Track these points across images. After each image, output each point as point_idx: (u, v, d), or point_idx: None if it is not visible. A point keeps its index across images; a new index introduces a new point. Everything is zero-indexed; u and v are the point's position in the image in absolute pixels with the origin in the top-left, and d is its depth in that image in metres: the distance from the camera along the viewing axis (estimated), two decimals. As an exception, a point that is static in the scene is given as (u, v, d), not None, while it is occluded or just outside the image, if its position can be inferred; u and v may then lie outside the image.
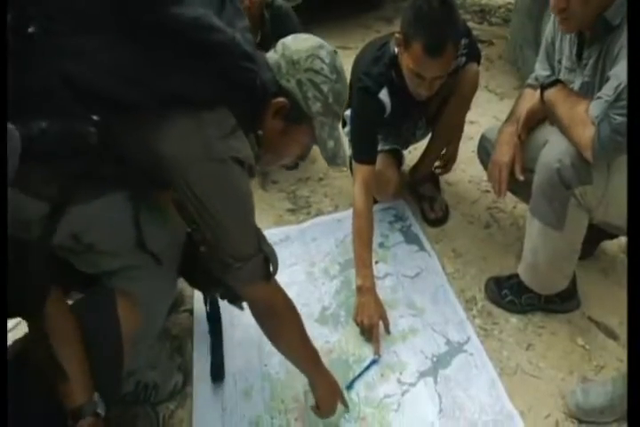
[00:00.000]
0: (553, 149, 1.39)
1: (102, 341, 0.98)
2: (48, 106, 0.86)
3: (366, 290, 1.66)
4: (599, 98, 1.26)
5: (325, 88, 1.09)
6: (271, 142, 1.12)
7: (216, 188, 0.97)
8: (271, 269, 1.10)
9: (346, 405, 1.37)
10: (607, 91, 1.24)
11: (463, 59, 1.77)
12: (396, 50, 1.63)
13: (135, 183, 1.03)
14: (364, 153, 1.75)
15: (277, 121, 1.10)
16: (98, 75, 0.87)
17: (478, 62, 1.88)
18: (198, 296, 1.73)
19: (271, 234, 2.00)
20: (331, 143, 1.14)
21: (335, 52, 1.14)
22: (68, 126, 0.87)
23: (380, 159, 1.84)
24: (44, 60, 0.85)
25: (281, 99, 1.07)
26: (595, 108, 1.26)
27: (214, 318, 1.61)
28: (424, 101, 1.76)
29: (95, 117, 0.88)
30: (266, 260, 1.08)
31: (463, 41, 1.69)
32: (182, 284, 1.78)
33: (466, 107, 1.93)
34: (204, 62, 0.93)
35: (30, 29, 0.83)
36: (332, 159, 1.16)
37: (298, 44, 1.11)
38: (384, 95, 1.71)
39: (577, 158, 1.33)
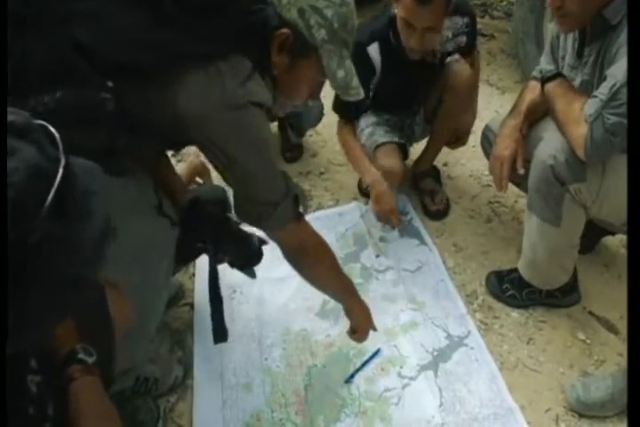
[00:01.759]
0: (547, 145, 1.39)
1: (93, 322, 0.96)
2: (61, 74, 0.84)
3: (377, 183, 1.79)
4: (595, 97, 1.25)
5: (329, 13, 1.02)
6: (280, 82, 1.07)
7: (239, 134, 0.97)
8: (300, 208, 1.12)
9: (375, 329, 1.40)
10: (603, 90, 1.23)
11: (464, 38, 1.75)
12: (396, 11, 1.63)
13: (149, 154, 1.02)
14: (343, 107, 1.80)
15: (283, 57, 1.03)
16: (110, 39, 0.86)
17: (471, 53, 1.88)
18: (199, 290, 1.73)
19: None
20: (341, 73, 1.08)
21: None
22: (84, 94, 0.86)
23: (385, 151, 1.86)
24: (54, 27, 0.84)
25: (284, 30, 1.00)
26: (589, 106, 1.26)
27: (214, 283, 1.53)
28: (420, 78, 1.78)
29: (110, 83, 0.87)
30: (295, 200, 1.09)
31: (465, 19, 1.71)
32: (182, 278, 1.79)
33: (461, 100, 1.89)
34: (216, 14, 0.92)
35: None
36: (344, 90, 1.11)
37: None
38: (374, 50, 1.72)
39: (571, 155, 1.32)
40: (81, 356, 0.85)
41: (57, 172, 0.54)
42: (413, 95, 1.93)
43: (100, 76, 0.87)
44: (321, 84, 1.17)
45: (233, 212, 1.17)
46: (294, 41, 1.01)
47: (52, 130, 0.58)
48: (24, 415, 0.73)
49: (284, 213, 1.08)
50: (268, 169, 1.04)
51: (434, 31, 1.60)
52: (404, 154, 1.98)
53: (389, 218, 1.86)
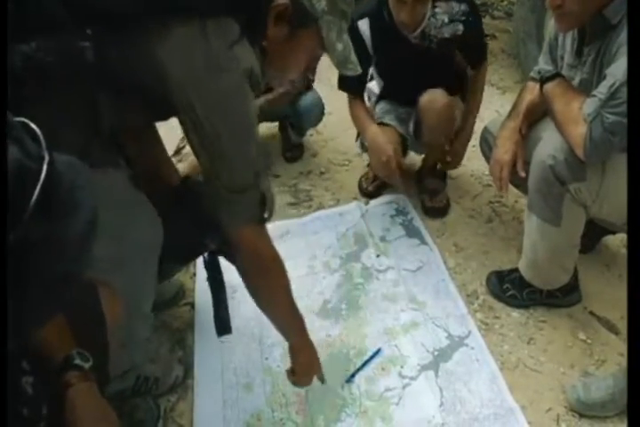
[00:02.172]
0: (547, 145, 1.39)
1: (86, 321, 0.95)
2: (38, 21, 0.80)
3: (375, 135, 1.82)
4: (594, 96, 1.25)
5: None
6: (275, 52, 1.03)
7: (221, 101, 0.92)
8: (266, 214, 1.07)
9: (322, 379, 1.33)
10: (602, 89, 1.23)
11: (460, 26, 1.74)
12: None
13: (134, 124, 0.98)
14: (347, 83, 1.85)
15: (280, 27, 0.99)
16: None
17: (481, 64, 1.90)
18: (199, 289, 1.73)
19: (272, 228, 1.99)
20: (339, 46, 1.06)
21: None
22: (62, 42, 0.82)
23: (384, 129, 1.89)
24: None
25: (282, 1, 0.95)
26: (588, 106, 1.26)
27: (214, 272, 1.43)
28: (418, 65, 1.79)
29: (89, 31, 0.83)
30: (262, 201, 1.03)
31: (462, 6, 1.72)
32: (183, 277, 1.79)
33: (435, 135, 1.89)
34: None
35: None
36: (343, 64, 1.09)
37: None
38: (364, 24, 1.77)
39: (570, 155, 1.32)
40: (77, 362, 0.85)
41: (41, 169, 0.53)
42: (414, 85, 1.89)
43: (79, 24, 0.82)
44: (317, 59, 1.14)
45: None
46: (293, 11, 0.97)
47: (34, 126, 0.57)
48: (20, 417, 0.73)
49: (247, 208, 1.02)
50: (240, 149, 0.97)
51: (423, 2, 1.64)
52: (404, 147, 1.98)
53: (388, 170, 1.80)
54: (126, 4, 0.84)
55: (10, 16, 0.74)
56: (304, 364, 1.26)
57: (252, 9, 0.95)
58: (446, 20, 1.72)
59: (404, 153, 2.02)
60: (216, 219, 1.04)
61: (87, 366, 0.86)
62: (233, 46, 0.91)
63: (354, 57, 1.10)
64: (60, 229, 0.57)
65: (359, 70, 1.13)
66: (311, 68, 1.19)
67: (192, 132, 0.95)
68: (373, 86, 2.08)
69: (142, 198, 1.12)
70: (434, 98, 1.79)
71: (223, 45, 0.90)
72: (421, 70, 1.81)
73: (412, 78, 1.84)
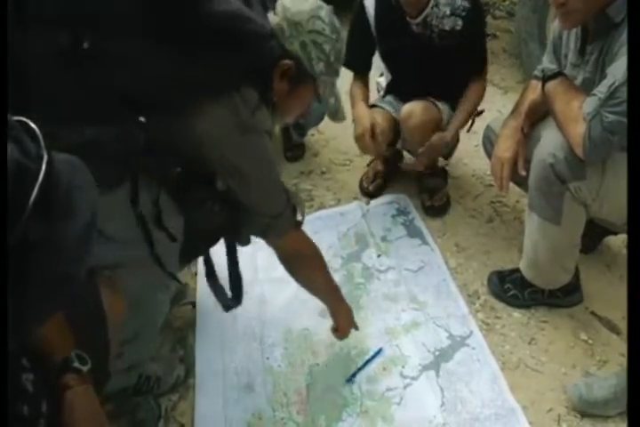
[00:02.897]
0: (547, 143, 1.39)
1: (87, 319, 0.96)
2: (98, 113, 0.92)
3: (360, 106, 1.91)
4: (594, 95, 1.25)
5: (327, 48, 1.13)
6: (278, 104, 1.17)
7: (251, 153, 1.10)
8: (299, 217, 1.24)
9: (356, 327, 1.53)
10: (602, 88, 1.23)
11: (459, 22, 1.76)
12: None
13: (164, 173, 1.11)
14: (353, 62, 1.86)
15: (283, 84, 1.13)
16: (141, 80, 0.94)
17: (480, 72, 1.92)
18: (201, 289, 1.73)
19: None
20: (332, 100, 1.26)
21: (332, 10, 1.17)
22: (119, 130, 0.93)
23: (377, 111, 1.96)
24: (91, 69, 0.91)
25: (287, 61, 1.10)
26: (588, 105, 1.26)
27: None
28: (418, 58, 1.82)
29: (142, 119, 0.95)
30: (294, 210, 1.22)
31: (464, 2, 1.74)
32: (184, 277, 1.79)
33: (414, 143, 1.93)
34: (241, 52, 1.01)
35: (85, 45, 0.89)
36: (335, 115, 1.31)
37: (298, 5, 1.12)
38: (369, 3, 1.85)
39: (570, 153, 1.32)
40: (76, 365, 0.86)
41: (40, 169, 0.54)
42: (417, 81, 1.91)
43: (132, 113, 0.95)
44: (310, 105, 1.30)
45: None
46: (295, 71, 1.12)
47: (33, 125, 0.57)
48: (20, 414, 0.74)
49: (286, 222, 1.20)
50: (273, 184, 1.18)
51: None
52: (397, 131, 2.00)
53: (363, 142, 1.85)
54: (170, 91, 0.97)
55: (69, 108, 0.88)
56: (344, 322, 1.47)
57: (265, 73, 1.10)
58: (447, 12, 1.75)
59: (397, 137, 2.03)
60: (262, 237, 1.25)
61: (85, 369, 0.87)
62: (255, 112, 1.07)
63: (341, 107, 1.31)
64: (58, 230, 0.57)
65: (345, 118, 1.36)
66: (305, 113, 1.47)
67: (228, 179, 1.12)
68: (382, 81, 2.13)
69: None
70: (412, 112, 1.84)
71: (248, 112, 1.06)
72: (424, 64, 1.83)
73: (415, 72, 1.87)
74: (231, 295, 1.42)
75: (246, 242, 1.35)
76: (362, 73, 2.03)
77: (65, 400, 0.84)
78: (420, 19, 1.77)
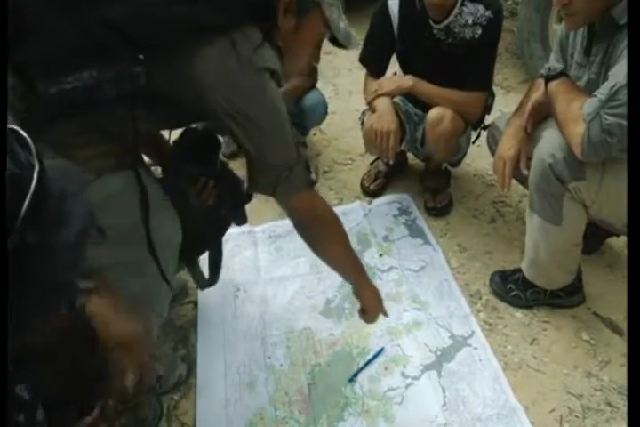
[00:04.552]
0: (546, 143, 1.39)
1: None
2: (95, 50, 0.89)
3: (385, 104, 1.86)
4: (594, 96, 1.25)
5: None
6: (287, 43, 1.12)
7: (257, 96, 1.03)
8: (313, 176, 1.17)
9: (385, 313, 1.39)
10: (603, 90, 1.23)
11: (479, 31, 1.75)
12: None
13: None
14: (368, 60, 1.94)
15: (289, 18, 1.09)
16: (138, 15, 0.92)
17: (485, 86, 1.87)
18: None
19: (276, 226, 2.00)
20: (342, 24, 1.16)
21: None
22: (119, 69, 0.90)
23: (382, 102, 1.90)
24: (84, 4, 0.90)
25: None
26: (588, 106, 1.26)
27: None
28: (435, 63, 1.82)
29: (141, 56, 0.91)
30: (307, 167, 1.15)
31: (487, 12, 1.73)
32: (186, 276, 1.79)
33: (439, 148, 1.92)
34: None
35: None
36: (347, 40, 1.19)
37: None
38: (394, 4, 1.84)
39: (569, 154, 1.32)
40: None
41: (31, 178, 0.53)
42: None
43: (131, 51, 0.91)
44: (321, 40, 1.23)
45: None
46: (297, 0, 1.07)
47: (24, 134, 0.57)
48: (16, 423, 0.73)
49: (298, 178, 1.12)
50: (283, 133, 1.09)
51: None
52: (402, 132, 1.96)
53: (384, 142, 1.83)
54: (168, 29, 0.94)
55: (65, 45, 0.86)
56: (370, 300, 1.33)
57: (268, 11, 1.05)
58: (470, 21, 1.74)
59: (401, 138, 1.99)
60: (230, 172, 1.21)
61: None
62: (257, 50, 1.02)
63: (353, 33, 1.20)
64: (51, 238, 0.57)
65: (359, 44, 1.26)
66: (316, 54, 1.36)
67: (234, 126, 1.04)
68: None
69: (164, 198, 1.16)
70: (441, 117, 1.80)
71: (249, 50, 1.01)
72: (438, 69, 1.82)
73: (428, 76, 1.85)
74: (208, 274, 1.35)
75: (242, 220, 1.31)
76: (378, 73, 1.99)
77: (89, 312, 0.81)
78: (443, 24, 1.76)
